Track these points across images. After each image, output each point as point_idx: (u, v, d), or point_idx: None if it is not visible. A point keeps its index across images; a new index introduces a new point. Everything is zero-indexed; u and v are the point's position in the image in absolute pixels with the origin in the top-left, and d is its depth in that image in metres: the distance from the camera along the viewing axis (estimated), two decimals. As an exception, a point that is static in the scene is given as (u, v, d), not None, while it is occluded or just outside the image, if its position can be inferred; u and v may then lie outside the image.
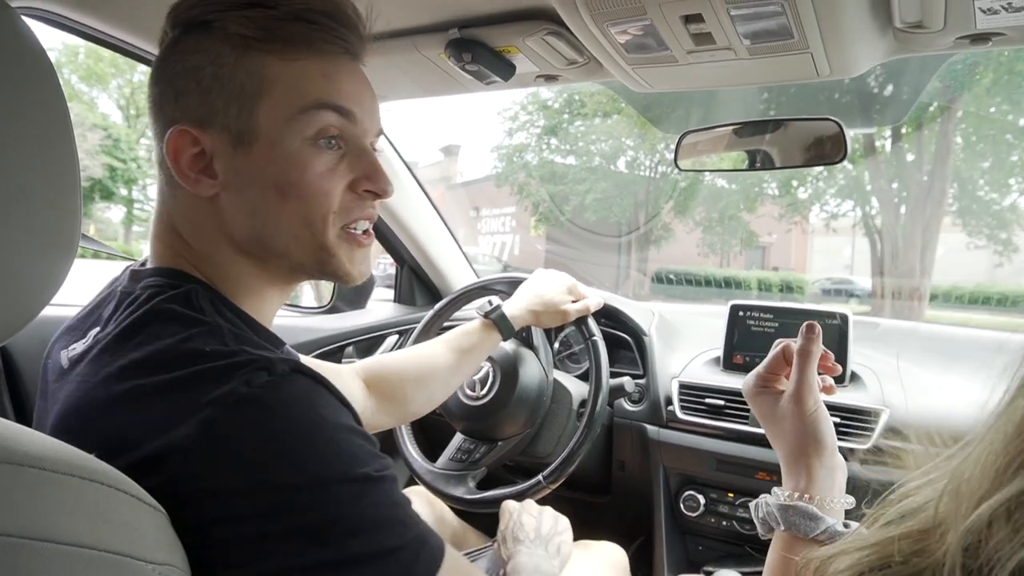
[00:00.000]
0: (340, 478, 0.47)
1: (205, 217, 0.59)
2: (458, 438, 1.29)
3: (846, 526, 0.60)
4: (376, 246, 1.77)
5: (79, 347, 0.58)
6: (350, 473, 0.48)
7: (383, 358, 1.07)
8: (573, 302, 1.20)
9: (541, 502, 1.16)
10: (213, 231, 0.60)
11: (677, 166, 1.29)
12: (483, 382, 1.23)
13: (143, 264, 0.64)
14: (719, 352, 1.38)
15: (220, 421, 0.46)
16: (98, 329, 0.58)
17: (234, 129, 0.57)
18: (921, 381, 1.24)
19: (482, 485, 1.22)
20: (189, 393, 0.47)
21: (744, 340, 1.35)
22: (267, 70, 0.56)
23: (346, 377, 1.00)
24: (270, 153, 0.57)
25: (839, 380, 1.25)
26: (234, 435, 0.46)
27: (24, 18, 0.43)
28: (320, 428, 0.48)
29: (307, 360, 0.91)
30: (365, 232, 0.64)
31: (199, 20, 0.57)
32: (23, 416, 1.02)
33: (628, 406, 1.37)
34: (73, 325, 0.64)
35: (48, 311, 0.46)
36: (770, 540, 1.29)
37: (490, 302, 1.15)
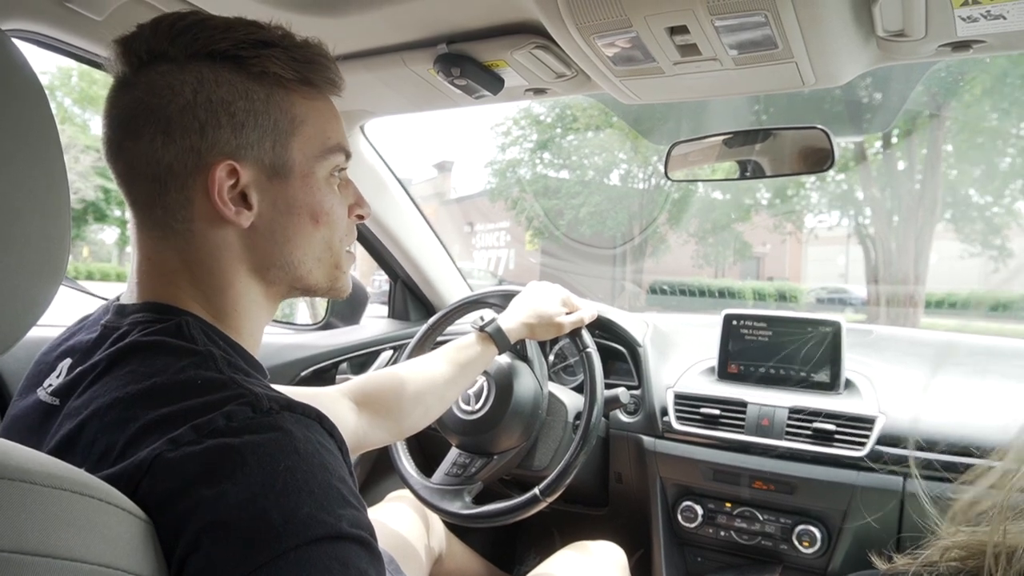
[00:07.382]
0: (301, 540, 0.44)
1: (221, 247, 0.60)
2: (453, 452, 1.28)
3: None
4: (370, 262, 1.77)
5: (57, 382, 0.58)
6: (310, 533, 0.45)
7: (377, 373, 1.06)
8: (567, 314, 1.20)
9: (538, 515, 1.15)
10: (231, 260, 0.61)
11: (667, 176, 1.29)
12: (478, 396, 1.23)
13: (119, 300, 0.64)
14: (714, 362, 1.38)
15: (191, 451, 0.46)
16: (71, 361, 0.59)
17: (268, 162, 0.60)
18: (915, 386, 1.24)
19: (478, 500, 1.21)
20: (178, 424, 0.47)
21: (738, 349, 1.36)
22: (296, 109, 0.61)
23: (327, 401, 0.96)
24: (304, 185, 0.62)
25: (833, 387, 1.25)
26: (200, 467, 0.45)
27: (15, 40, 0.43)
28: (293, 473, 0.46)
29: (287, 391, 0.88)
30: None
31: (229, 55, 0.58)
32: None
33: (624, 417, 1.37)
34: (34, 373, 0.64)
35: (36, 332, 0.45)
36: (768, 550, 1.29)
37: (481, 317, 1.14)
